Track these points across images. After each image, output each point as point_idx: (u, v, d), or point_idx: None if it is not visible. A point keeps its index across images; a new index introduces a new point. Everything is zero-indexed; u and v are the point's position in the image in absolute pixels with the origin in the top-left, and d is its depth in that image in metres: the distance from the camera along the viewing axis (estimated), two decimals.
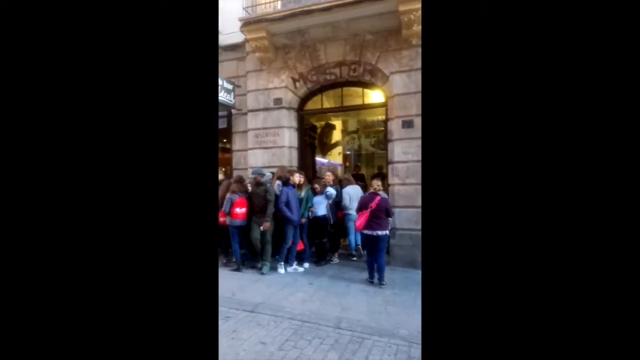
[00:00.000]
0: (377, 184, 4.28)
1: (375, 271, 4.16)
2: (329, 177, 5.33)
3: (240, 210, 4.68)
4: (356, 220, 4.26)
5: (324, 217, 4.94)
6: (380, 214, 4.04)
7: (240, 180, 4.94)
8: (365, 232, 4.11)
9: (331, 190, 4.83)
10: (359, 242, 5.25)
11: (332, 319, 3.08)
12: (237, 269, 4.73)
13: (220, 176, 5.59)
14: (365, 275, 4.34)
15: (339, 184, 5.62)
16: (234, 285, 4.05)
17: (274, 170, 5.33)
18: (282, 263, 4.68)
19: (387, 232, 4.14)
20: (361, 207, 4.21)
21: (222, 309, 3.31)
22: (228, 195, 4.73)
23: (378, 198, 4.08)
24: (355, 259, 5.25)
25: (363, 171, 8.59)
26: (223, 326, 2.95)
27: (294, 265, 4.72)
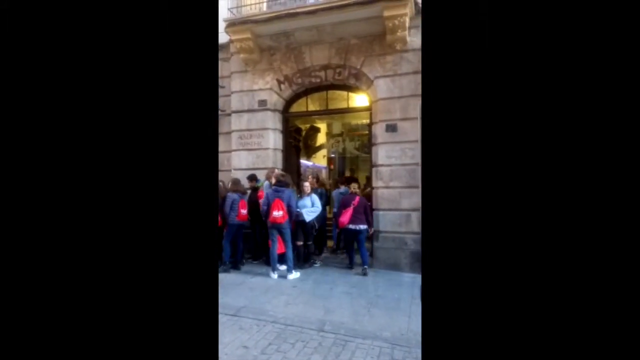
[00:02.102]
0: (354, 186, 5.05)
1: (354, 262, 4.90)
2: (311, 181, 5.37)
3: (244, 211, 4.85)
4: (340, 217, 4.78)
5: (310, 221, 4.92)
6: (360, 209, 4.74)
7: (237, 182, 4.99)
8: (350, 227, 4.70)
9: (308, 216, 4.80)
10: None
11: (316, 322, 3.07)
12: (226, 270, 4.69)
13: None
14: (348, 277, 4.39)
15: (323, 187, 5.67)
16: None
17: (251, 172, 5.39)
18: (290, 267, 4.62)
19: (366, 226, 4.75)
20: (344, 206, 4.78)
21: None
22: (229, 194, 4.77)
23: (358, 197, 4.79)
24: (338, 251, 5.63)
25: (349, 174, 8.62)
26: None
27: (280, 268, 4.66)
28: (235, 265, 4.89)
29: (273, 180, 4.79)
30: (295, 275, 4.49)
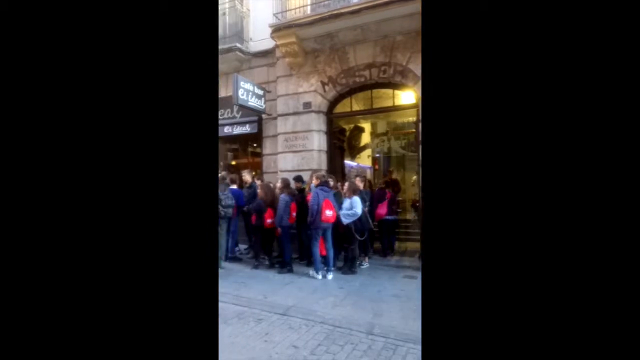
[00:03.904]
0: (382, 181, 5.95)
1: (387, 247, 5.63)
2: (357, 182, 5.25)
3: (294, 214, 4.87)
4: (377, 210, 5.35)
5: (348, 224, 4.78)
6: (393, 202, 5.61)
7: (288, 184, 4.97)
8: (389, 217, 5.45)
9: (345, 218, 4.66)
10: None
11: (365, 325, 3.03)
12: (290, 271, 4.78)
13: (248, 178, 5.68)
14: (396, 279, 4.31)
15: (370, 188, 5.56)
16: (265, 288, 4.10)
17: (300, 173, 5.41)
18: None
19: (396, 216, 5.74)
20: (379, 200, 5.44)
21: (254, 311, 3.35)
22: (283, 196, 4.71)
23: (389, 193, 5.55)
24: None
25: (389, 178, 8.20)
26: (256, 328, 2.98)
27: (311, 272, 4.61)
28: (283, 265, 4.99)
29: (315, 181, 4.76)
30: (329, 276, 4.49)
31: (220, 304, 3.53)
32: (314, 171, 5.29)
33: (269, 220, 4.83)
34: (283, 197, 4.72)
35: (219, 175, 5.30)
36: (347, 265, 4.78)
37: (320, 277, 4.47)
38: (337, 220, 4.65)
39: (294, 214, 4.85)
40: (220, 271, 4.86)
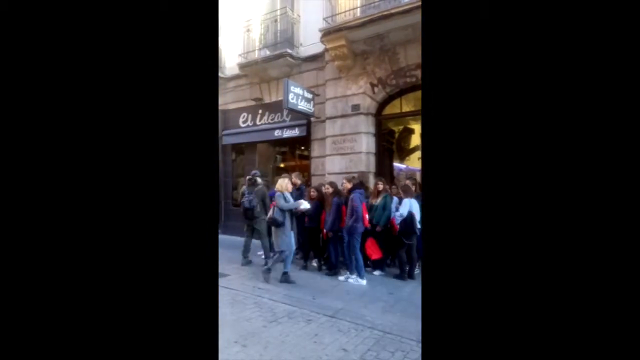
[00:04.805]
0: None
1: None
2: (408, 184, 5.10)
3: (345, 218, 4.78)
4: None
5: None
6: None
7: (337, 188, 4.90)
8: None
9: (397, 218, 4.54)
10: None
11: (415, 333, 2.93)
12: (338, 273, 4.77)
13: (298, 181, 5.75)
14: None
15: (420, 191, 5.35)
16: (314, 289, 4.14)
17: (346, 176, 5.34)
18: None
19: None
20: None
21: (304, 312, 3.40)
22: (336, 199, 4.68)
23: None
24: None
25: None
26: (306, 329, 3.02)
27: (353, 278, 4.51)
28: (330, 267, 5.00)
29: (347, 184, 4.64)
30: (363, 281, 4.40)
31: (271, 302, 3.66)
32: (361, 173, 5.25)
33: None
34: (336, 201, 4.67)
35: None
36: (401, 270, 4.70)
37: (364, 282, 4.40)
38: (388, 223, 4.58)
39: (345, 217, 4.82)
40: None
